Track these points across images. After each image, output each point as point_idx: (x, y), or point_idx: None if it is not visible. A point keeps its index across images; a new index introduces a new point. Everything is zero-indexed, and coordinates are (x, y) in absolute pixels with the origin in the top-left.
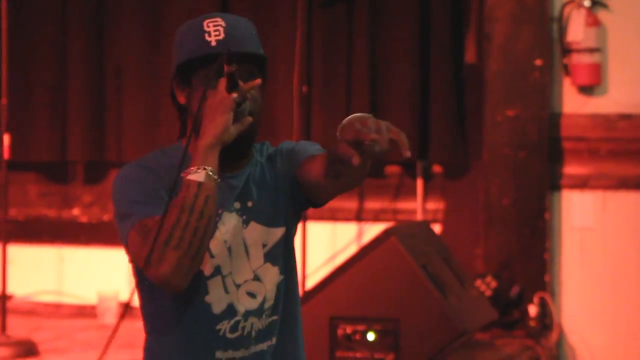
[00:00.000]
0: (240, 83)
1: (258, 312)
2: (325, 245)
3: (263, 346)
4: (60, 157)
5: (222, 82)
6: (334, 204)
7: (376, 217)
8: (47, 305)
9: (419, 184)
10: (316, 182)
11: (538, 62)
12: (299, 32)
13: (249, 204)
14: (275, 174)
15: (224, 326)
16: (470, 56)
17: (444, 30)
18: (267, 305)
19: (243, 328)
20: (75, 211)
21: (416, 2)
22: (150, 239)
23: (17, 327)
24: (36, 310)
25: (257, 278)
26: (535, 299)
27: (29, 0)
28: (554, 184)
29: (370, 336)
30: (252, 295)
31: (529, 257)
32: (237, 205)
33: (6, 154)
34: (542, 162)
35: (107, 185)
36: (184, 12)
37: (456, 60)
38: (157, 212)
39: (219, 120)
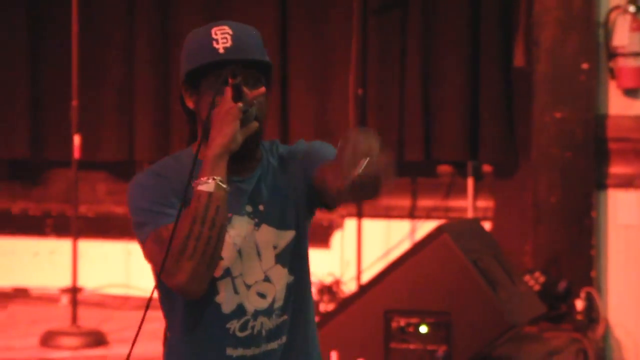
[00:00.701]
0: (246, 91)
1: (268, 312)
2: (379, 241)
3: (274, 345)
4: (128, 156)
5: (229, 90)
6: (388, 202)
7: (428, 215)
8: (115, 297)
9: (470, 183)
10: (331, 190)
11: (584, 66)
12: (355, 37)
13: (261, 207)
14: (288, 176)
15: (234, 325)
16: (519, 60)
17: (493, 35)
18: (277, 305)
19: (252, 327)
20: None
21: (467, 8)
22: (166, 249)
23: (87, 318)
24: (105, 302)
25: (267, 279)
26: (582, 294)
27: (98, 7)
28: (600, 183)
29: (423, 329)
30: (262, 295)
31: (576, 254)
32: (248, 208)
33: (77, 154)
34: (589, 162)
35: None
36: (244, 18)
37: (505, 64)
38: (170, 221)
39: (226, 129)
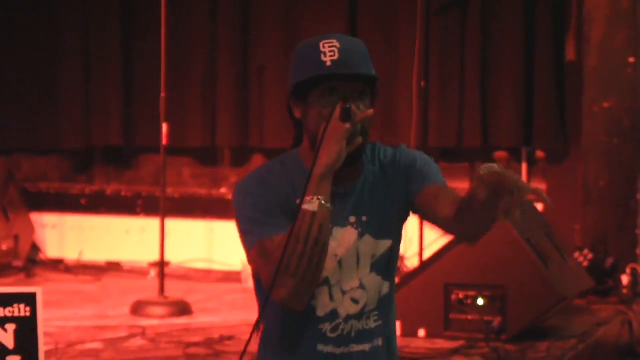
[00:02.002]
0: (355, 111)
1: (359, 315)
2: None
3: (364, 347)
4: (210, 142)
5: (338, 109)
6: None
7: None
8: (198, 271)
9: (524, 167)
10: (441, 220)
11: (631, 59)
12: (418, 33)
13: (364, 218)
14: (388, 185)
15: (326, 327)
16: (570, 54)
17: (546, 32)
18: (368, 309)
19: (343, 329)
20: (223, 190)
21: (522, 7)
22: (270, 263)
23: (173, 290)
24: (189, 275)
25: (362, 286)
26: (628, 270)
27: (184, 8)
28: None
29: (480, 301)
30: (355, 301)
31: (622, 232)
32: (352, 219)
33: (164, 141)
34: (635, 148)
35: (251, 168)
36: (316, 18)
37: (558, 58)
38: (274, 232)
39: (332, 149)
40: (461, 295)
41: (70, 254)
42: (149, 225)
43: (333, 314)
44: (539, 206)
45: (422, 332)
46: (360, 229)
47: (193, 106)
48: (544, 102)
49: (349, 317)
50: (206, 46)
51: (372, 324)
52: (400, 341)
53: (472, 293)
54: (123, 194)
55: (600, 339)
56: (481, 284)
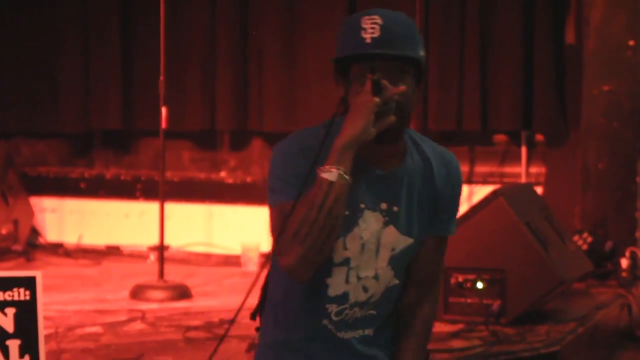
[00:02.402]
0: (387, 86)
1: (363, 304)
2: None
3: (355, 334)
4: (210, 126)
5: (369, 83)
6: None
7: (485, 180)
8: (198, 255)
9: (523, 150)
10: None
11: (631, 43)
12: (418, 16)
13: (395, 208)
14: (427, 187)
15: (332, 308)
16: (570, 37)
17: (546, 15)
18: (373, 299)
19: (346, 315)
20: (223, 174)
21: None
22: (283, 227)
23: (173, 274)
24: (189, 259)
25: (376, 276)
26: (627, 253)
27: None
28: None
29: (480, 284)
30: (365, 289)
31: (622, 216)
32: (383, 206)
33: (164, 124)
34: (634, 131)
35: (250, 151)
36: (315, 2)
37: (557, 42)
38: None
39: (358, 122)
40: (460, 279)
41: (69, 238)
42: (148, 209)
43: (343, 298)
44: (539, 190)
45: None
46: (387, 218)
47: (192, 90)
48: (544, 86)
49: (355, 304)
50: (205, 30)
51: (365, 312)
52: None
53: (471, 276)
54: (122, 178)
55: (599, 322)
56: (481, 267)
